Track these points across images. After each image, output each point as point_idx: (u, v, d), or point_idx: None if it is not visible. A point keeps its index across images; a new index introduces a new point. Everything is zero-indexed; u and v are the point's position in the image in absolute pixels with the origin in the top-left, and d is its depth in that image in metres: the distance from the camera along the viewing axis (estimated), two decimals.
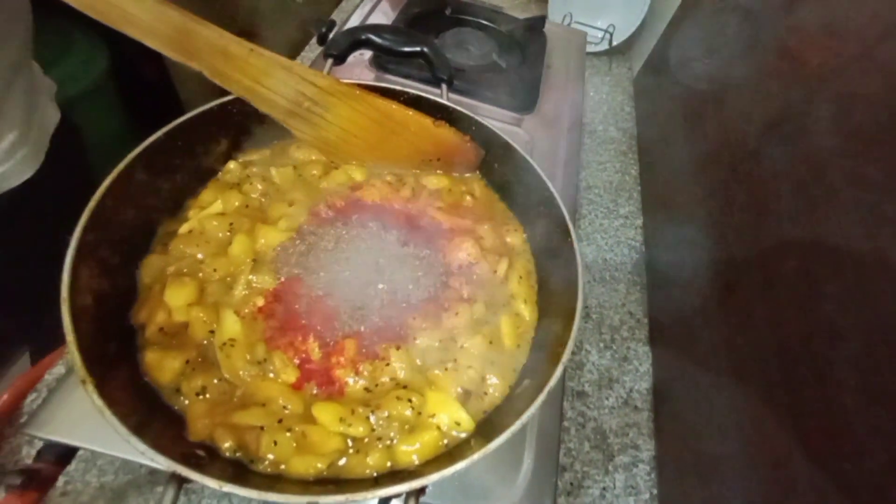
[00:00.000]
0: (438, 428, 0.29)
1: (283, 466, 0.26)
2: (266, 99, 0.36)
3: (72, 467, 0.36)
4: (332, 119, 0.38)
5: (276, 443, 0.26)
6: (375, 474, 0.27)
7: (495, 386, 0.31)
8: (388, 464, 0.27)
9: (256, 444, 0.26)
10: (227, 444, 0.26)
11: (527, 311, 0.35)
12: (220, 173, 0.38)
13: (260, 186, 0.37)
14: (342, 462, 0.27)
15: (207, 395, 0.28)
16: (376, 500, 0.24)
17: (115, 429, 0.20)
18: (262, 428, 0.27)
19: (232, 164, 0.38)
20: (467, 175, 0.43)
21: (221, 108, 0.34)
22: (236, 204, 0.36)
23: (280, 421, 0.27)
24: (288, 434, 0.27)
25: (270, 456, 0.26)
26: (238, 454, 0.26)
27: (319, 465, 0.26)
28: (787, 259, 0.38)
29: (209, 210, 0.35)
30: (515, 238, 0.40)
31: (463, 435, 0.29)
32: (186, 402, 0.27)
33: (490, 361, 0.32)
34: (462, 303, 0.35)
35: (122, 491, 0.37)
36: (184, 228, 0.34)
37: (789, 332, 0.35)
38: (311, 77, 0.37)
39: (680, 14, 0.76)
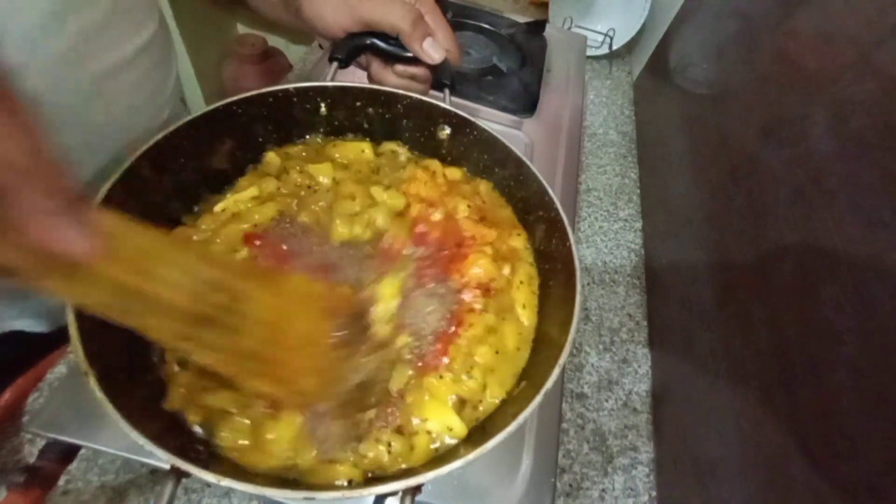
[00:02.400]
0: (428, 433, 0.29)
1: (236, 454, 0.26)
2: (156, 300, 0.21)
3: (73, 466, 0.36)
4: (255, 312, 0.25)
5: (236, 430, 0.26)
6: (350, 480, 0.26)
7: (494, 393, 0.31)
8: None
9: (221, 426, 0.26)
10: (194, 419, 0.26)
11: (526, 316, 0.35)
12: (259, 164, 0.38)
13: (298, 179, 0.37)
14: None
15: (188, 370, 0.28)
16: (372, 498, 0.25)
17: (116, 421, 0.20)
18: (231, 412, 0.27)
19: (271, 155, 0.38)
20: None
21: (226, 108, 0.34)
22: (272, 190, 0.36)
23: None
24: (248, 422, 0.27)
25: (228, 441, 0.26)
26: (202, 431, 0.26)
27: (273, 463, 0.26)
28: (785, 262, 0.38)
29: (244, 194, 0.35)
30: (518, 242, 0.39)
31: (454, 441, 0.28)
32: (174, 369, 0.28)
33: (491, 369, 0.32)
34: (474, 314, 0.34)
35: (123, 490, 0.37)
36: (218, 207, 0.35)
37: (787, 334, 0.36)
38: (220, 259, 0.27)
39: (679, 18, 0.77)
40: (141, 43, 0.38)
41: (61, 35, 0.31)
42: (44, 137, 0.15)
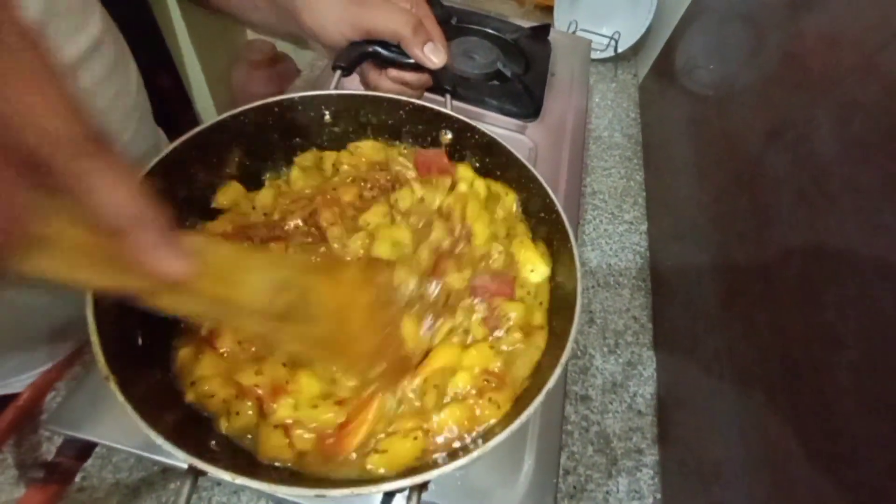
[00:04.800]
0: None
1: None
2: (241, 305, 0.23)
3: (88, 464, 0.38)
4: (319, 304, 0.27)
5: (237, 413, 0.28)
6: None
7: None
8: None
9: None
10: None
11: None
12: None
13: None
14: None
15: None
16: (381, 495, 0.25)
17: (136, 422, 0.21)
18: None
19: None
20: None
21: (233, 118, 0.35)
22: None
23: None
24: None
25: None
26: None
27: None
28: (789, 265, 0.38)
29: None
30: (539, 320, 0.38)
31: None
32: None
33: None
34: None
35: (136, 487, 0.38)
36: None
37: (790, 337, 0.36)
38: (285, 259, 0.29)
39: (685, 21, 0.77)
40: (84, 46, 0.37)
41: None
42: (139, 183, 0.18)
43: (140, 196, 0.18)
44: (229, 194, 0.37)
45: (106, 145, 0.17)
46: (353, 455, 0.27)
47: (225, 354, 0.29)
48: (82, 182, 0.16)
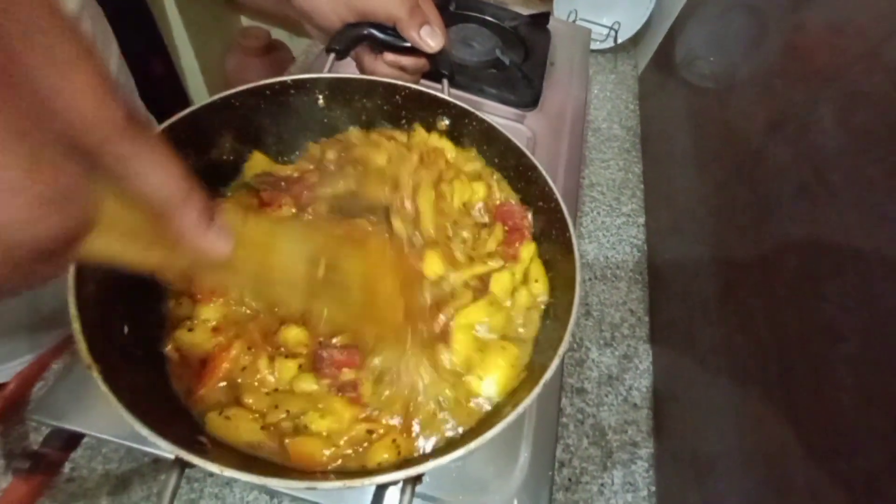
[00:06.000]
0: None
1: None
2: (277, 281, 0.25)
3: (77, 454, 0.37)
4: (351, 276, 0.27)
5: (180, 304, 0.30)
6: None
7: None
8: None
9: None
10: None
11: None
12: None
13: None
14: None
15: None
16: (373, 489, 0.25)
17: (120, 413, 0.21)
18: None
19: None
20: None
21: (224, 101, 0.34)
22: None
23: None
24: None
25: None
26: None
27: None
28: (788, 258, 0.37)
29: None
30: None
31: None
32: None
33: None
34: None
35: (126, 478, 0.38)
36: None
37: (788, 331, 0.35)
38: (315, 232, 0.29)
39: (686, 11, 0.76)
40: None
41: None
42: (179, 164, 0.18)
43: (181, 177, 0.18)
44: (256, 166, 0.37)
45: (144, 128, 0.17)
46: (208, 397, 0.27)
47: None
48: (126, 165, 0.17)
